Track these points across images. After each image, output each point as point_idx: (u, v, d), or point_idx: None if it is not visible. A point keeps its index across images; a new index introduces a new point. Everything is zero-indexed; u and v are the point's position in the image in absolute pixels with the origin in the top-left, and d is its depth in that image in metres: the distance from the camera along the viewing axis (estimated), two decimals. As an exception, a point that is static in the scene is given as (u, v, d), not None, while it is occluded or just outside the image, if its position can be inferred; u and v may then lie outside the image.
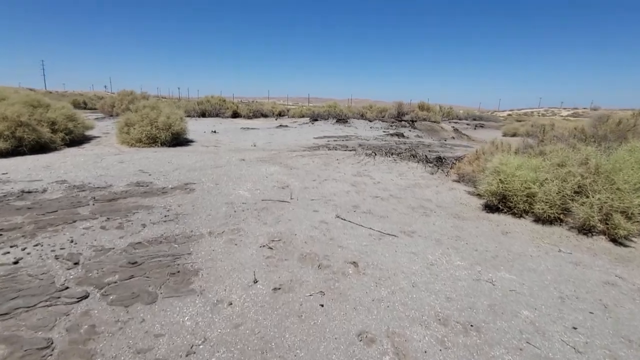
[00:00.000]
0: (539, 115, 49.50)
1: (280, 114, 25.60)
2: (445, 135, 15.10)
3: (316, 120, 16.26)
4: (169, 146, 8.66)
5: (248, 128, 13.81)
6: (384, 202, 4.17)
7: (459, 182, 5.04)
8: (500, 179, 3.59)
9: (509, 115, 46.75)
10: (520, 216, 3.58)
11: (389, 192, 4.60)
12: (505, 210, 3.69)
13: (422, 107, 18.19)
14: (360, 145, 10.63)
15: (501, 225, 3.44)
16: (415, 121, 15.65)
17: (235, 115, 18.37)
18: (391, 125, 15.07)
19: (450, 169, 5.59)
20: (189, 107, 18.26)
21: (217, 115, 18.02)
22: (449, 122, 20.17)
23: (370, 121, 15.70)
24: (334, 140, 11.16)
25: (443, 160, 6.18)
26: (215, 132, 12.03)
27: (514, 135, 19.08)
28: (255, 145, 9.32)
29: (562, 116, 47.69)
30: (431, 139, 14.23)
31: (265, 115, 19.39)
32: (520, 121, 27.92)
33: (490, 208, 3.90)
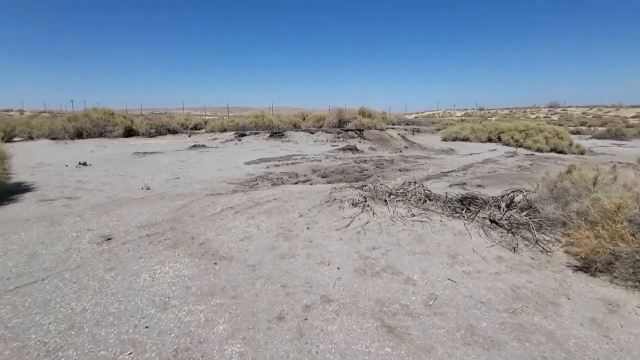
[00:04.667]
0: (439, 117, 53.64)
1: (195, 128, 21.09)
2: (398, 145, 13.20)
3: (244, 135, 12.75)
4: (-39, 209, 4.36)
5: (145, 153, 9.60)
6: None
7: (591, 273, 2.42)
8: None
9: (416, 117, 49.27)
10: None
11: (504, 355, 1.70)
12: None
13: (363, 113, 16.19)
14: (313, 170, 7.67)
15: None
16: (363, 130, 13.42)
17: (130, 133, 13.61)
18: (337, 137, 12.51)
19: (550, 241, 2.96)
20: (56, 125, 12.85)
21: (101, 135, 13.03)
22: (391, 129, 18.71)
23: (312, 133, 12.90)
24: (275, 166, 7.96)
25: (496, 208, 3.56)
26: (85, 164, 7.66)
27: (455, 139, 18.51)
28: (149, 189, 5.55)
29: (457, 116, 52.34)
30: (386, 150, 12.10)
31: (174, 132, 14.98)
32: (449, 123, 28.63)
33: None
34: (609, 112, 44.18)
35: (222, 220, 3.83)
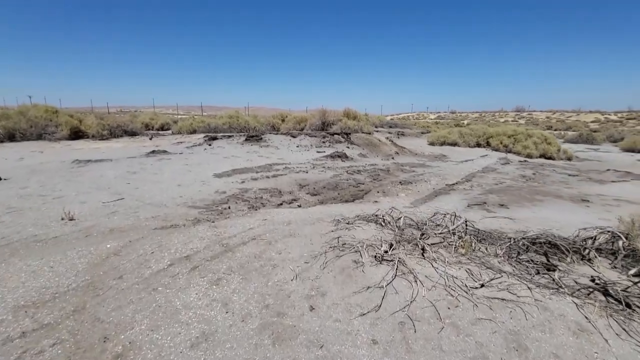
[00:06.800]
0: (414, 119, 53.82)
1: (162, 128, 18.96)
2: (388, 151, 12.06)
3: (215, 138, 11.09)
4: None
5: (89, 161, 7.75)
6: None
7: None
8: None
9: (391, 119, 49.14)
10: None
11: None
12: None
13: (348, 115, 14.96)
14: (300, 185, 6.25)
15: None
16: (350, 134, 12.17)
17: (78, 134, 11.52)
18: (323, 142, 11.16)
19: None
20: (-20, 124, 10.55)
21: (40, 137, 10.87)
22: (376, 132, 17.63)
23: (294, 137, 11.47)
24: (253, 179, 6.47)
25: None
26: (-3, 178, 5.80)
27: (442, 144, 17.72)
28: (72, 220, 3.91)
29: (431, 119, 52.71)
30: (377, 157, 10.91)
31: (132, 133, 12.98)
32: (427, 126, 28.12)
33: None
34: (570, 116, 45.95)
35: (167, 289, 2.35)
